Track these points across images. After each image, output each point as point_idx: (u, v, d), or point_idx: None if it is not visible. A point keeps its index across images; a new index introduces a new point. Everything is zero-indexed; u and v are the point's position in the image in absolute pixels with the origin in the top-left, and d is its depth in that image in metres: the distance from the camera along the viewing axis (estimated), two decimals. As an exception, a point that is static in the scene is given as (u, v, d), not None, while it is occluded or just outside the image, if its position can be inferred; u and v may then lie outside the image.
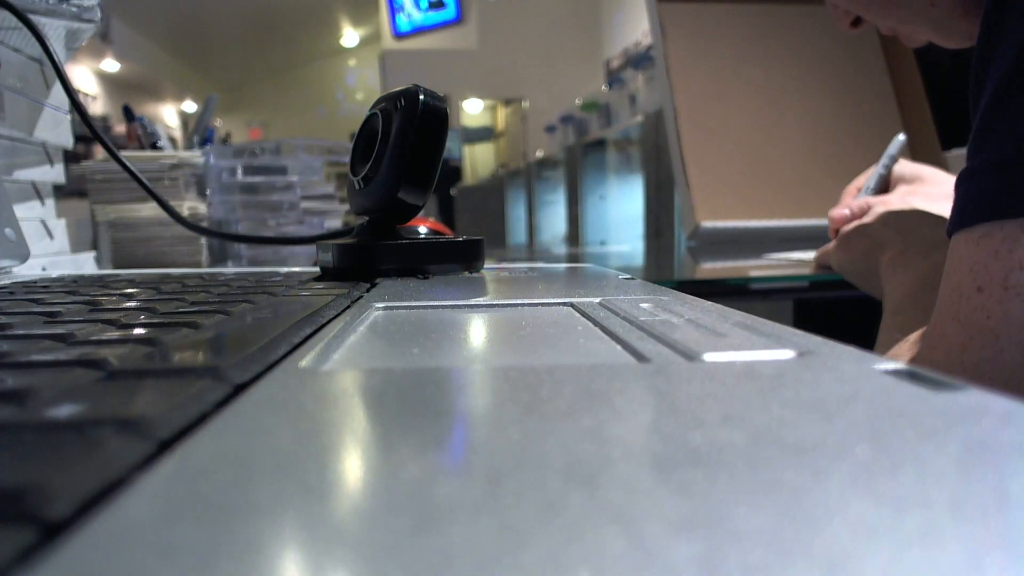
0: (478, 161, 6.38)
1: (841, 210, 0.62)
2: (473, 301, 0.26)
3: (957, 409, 0.11)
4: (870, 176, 0.62)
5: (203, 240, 0.76)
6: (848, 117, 1.04)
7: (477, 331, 0.20)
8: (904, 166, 0.61)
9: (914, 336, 0.39)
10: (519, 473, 0.09)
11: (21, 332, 0.18)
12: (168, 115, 7.43)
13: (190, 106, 7.59)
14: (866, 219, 0.56)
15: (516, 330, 0.20)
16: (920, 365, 0.36)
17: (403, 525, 0.07)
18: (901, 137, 0.62)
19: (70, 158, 0.67)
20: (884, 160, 0.61)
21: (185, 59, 7.41)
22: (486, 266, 0.41)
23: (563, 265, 0.44)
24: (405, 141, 0.36)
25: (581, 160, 3.26)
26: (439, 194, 4.23)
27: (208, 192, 0.82)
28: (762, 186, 0.99)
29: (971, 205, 0.32)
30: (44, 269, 0.57)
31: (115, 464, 0.09)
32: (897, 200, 0.57)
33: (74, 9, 0.55)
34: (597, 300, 0.25)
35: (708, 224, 0.94)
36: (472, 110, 6.34)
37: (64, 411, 0.10)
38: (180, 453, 0.09)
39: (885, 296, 0.48)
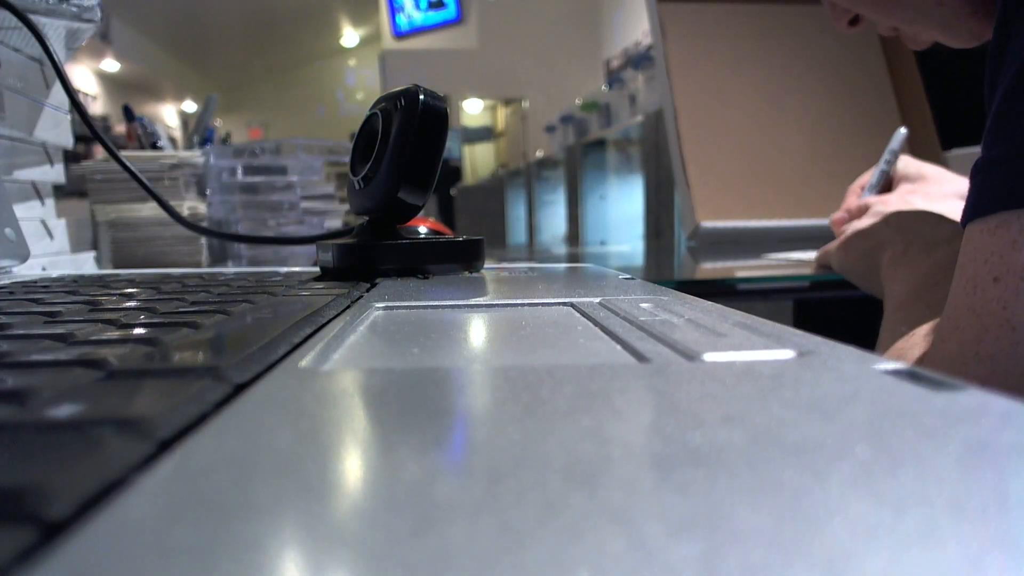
0: (478, 161, 6.38)
1: (840, 213, 0.62)
2: (473, 301, 0.26)
3: (957, 409, 0.11)
4: (873, 174, 0.62)
5: (203, 240, 0.76)
6: (848, 117, 1.04)
7: (477, 331, 0.20)
8: (908, 164, 0.61)
9: (923, 330, 0.39)
10: (519, 473, 0.09)
11: (21, 332, 0.18)
12: (168, 115, 7.44)
13: (190, 106, 7.59)
14: (866, 219, 0.56)
15: (516, 330, 0.20)
16: (932, 358, 0.35)
17: (403, 525, 0.07)
18: (902, 131, 0.62)
19: (70, 158, 0.67)
20: (886, 156, 0.61)
21: (185, 59, 7.41)
22: (486, 266, 0.41)
23: (563, 265, 0.44)
24: (405, 141, 0.36)
25: (581, 160, 3.26)
26: (439, 194, 4.23)
27: (208, 192, 0.82)
28: (762, 186, 0.99)
29: (987, 195, 0.32)
30: (44, 269, 0.57)
31: (115, 464, 0.09)
32: (897, 199, 0.57)
33: (74, 9, 0.55)
34: (597, 300, 0.25)
35: (708, 224, 0.94)
36: (472, 110, 6.34)
37: (64, 411, 0.10)
38: (180, 453, 0.09)
39: (886, 295, 0.48)
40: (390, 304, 0.25)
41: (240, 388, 0.13)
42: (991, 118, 0.32)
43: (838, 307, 0.92)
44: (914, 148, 1.01)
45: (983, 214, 0.32)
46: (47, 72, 0.59)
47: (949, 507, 0.08)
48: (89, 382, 0.13)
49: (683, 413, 0.11)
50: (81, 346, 0.16)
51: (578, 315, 0.22)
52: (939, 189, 0.57)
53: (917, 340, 0.38)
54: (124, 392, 0.12)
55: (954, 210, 0.52)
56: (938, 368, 0.34)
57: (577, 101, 3.75)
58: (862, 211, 0.59)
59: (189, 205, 0.76)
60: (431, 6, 5.99)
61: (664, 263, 0.94)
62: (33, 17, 0.50)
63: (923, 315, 0.41)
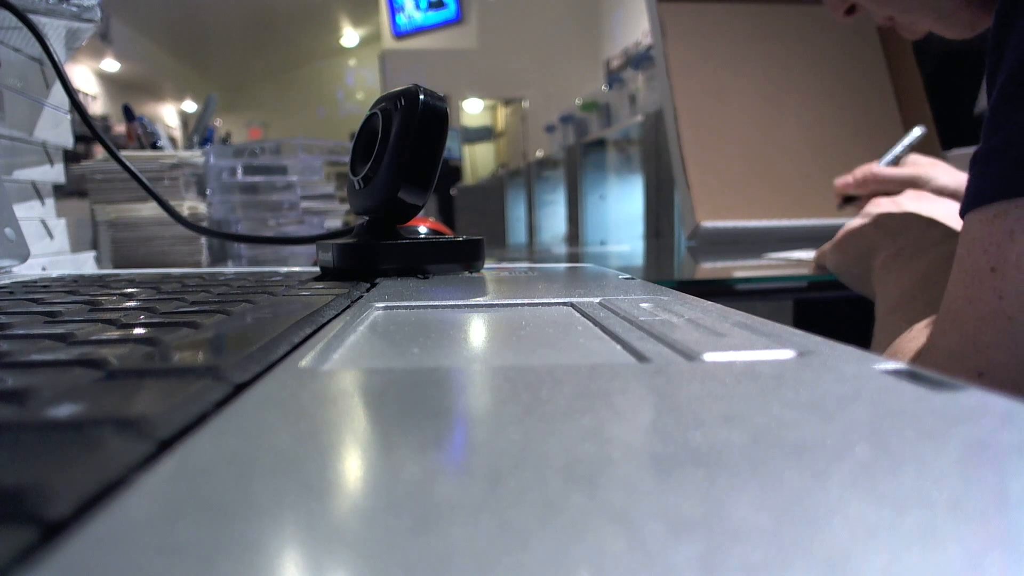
0: (478, 161, 6.38)
1: (846, 178, 0.62)
2: (473, 301, 0.26)
3: (957, 409, 0.11)
4: (885, 158, 0.62)
5: (203, 240, 0.76)
6: (848, 117, 1.04)
7: (477, 331, 0.20)
8: (918, 160, 0.61)
9: (922, 324, 0.38)
10: (519, 473, 0.09)
11: (21, 332, 0.18)
12: (168, 115, 7.43)
13: (190, 106, 7.59)
14: (858, 219, 0.56)
15: (516, 330, 0.20)
16: (932, 349, 0.35)
17: (403, 525, 0.07)
18: (920, 130, 0.62)
19: (70, 158, 0.67)
20: (899, 149, 0.61)
21: (185, 59, 7.41)
22: (486, 266, 0.41)
23: (563, 265, 0.44)
24: (405, 141, 0.36)
25: (581, 160, 3.26)
26: (439, 194, 4.23)
27: (208, 192, 0.82)
28: (762, 186, 0.99)
29: (985, 184, 0.32)
30: (44, 269, 0.57)
31: (115, 464, 0.09)
32: (888, 201, 0.57)
33: (74, 9, 0.55)
34: (597, 300, 0.25)
35: (708, 224, 0.94)
36: (472, 110, 6.34)
37: (64, 411, 0.10)
38: (180, 453, 0.09)
39: (878, 298, 0.48)
40: (390, 304, 0.25)
41: (240, 388, 0.13)
42: (990, 110, 0.32)
43: (838, 307, 0.92)
44: (914, 148, 1.01)
45: (981, 204, 0.32)
46: (47, 72, 0.59)
47: (949, 507, 0.08)
48: (89, 382, 0.13)
49: (683, 413, 0.11)
50: (81, 346, 0.16)
51: (578, 315, 0.22)
52: (935, 183, 0.57)
53: (916, 334, 0.38)
54: (124, 392, 0.12)
55: (946, 212, 0.52)
56: (938, 359, 0.34)
57: (577, 101, 3.75)
58: (867, 181, 0.59)
59: (189, 205, 0.76)
60: (431, 6, 5.99)
61: (664, 263, 0.94)
62: (33, 17, 0.50)
63: (922, 312, 0.41)
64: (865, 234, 0.53)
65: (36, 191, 0.60)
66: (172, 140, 0.99)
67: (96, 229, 0.76)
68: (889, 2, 0.45)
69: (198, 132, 0.91)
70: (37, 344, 0.16)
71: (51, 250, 0.61)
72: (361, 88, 7.87)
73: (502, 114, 6.35)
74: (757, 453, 0.09)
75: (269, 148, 0.89)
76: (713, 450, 0.09)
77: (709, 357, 0.15)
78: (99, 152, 0.97)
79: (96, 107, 5.89)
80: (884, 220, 0.53)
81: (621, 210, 2.86)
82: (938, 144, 1.00)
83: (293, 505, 0.08)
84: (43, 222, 0.60)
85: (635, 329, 0.18)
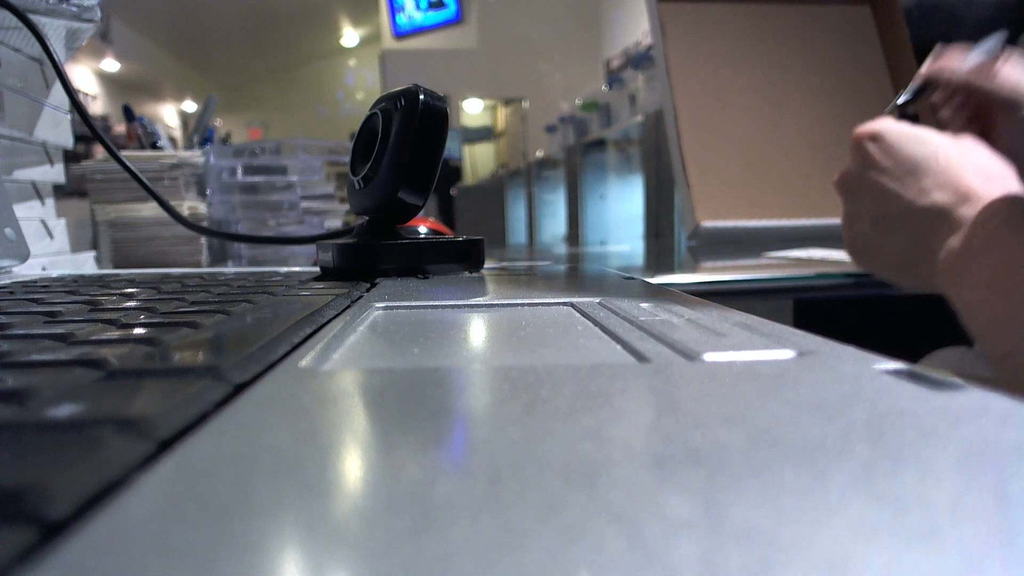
0: (478, 161, 6.38)
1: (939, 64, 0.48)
2: (473, 301, 0.26)
3: (957, 409, 0.11)
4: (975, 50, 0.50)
5: (203, 240, 0.76)
6: (848, 117, 1.04)
7: (477, 331, 0.20)
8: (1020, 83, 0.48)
9: None
10: (519, 473, 0.09)
11: (21, 332, 0.18)
12: (168, 115, 7.43)
13: (190, 106, 7.59)
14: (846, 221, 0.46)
15: (516, 330, 0.20)
16: None
17: (403, 525, 0.07)
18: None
19: (70, 158, 0.67)
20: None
21: (185, 59, 7.41)
22: (486, 266, 0.41)
23: (563, 265, 0.44)
24: (405, 141, 0.36)
25: (581, 160, 3.26)
26: (439, 194, 4.23)
27: (208, 192, 0.82)
28: (762, 186, 0.99)
29: None
30: (44, 269, 0.57)
31: (115, 464, 0.09)
32: (956, 150, 0.43)
33: (74, 9, 0.55)
34: (597, 300, 0.25)
35: (708, 224, 0.94)
36: (472, 110, 6.34)
37: (64, 411, 0.10)
38: (180, 453, 0.09)
39: (958, 307, 0.40)
40: (390, 304, 0.25)
41: (240, 388, 0.13)
42: None
43: (838, 307, 0.92)
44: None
45: None
46: (47, 72, 0.59)
47: (949, 507, 0.08)
48: (89, 382, 0.13)
49: (683, 413, 0.11)
50: (81, 346, 0.16)
51: (578, 315, 0.22)
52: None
53: None
54: (124, 392, 0.12)
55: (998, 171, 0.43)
56: None
57: (577, 101, 3.75)
58: (964, 87, 0.46)
59: (189, 205, 0.76)
60: (431, 6, 5.99)
61: (664, 263, 0.94)
62: (33, 17, 0.50)
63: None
64: (866, 237, 0.46)
65: (36, 191, 0.60)
66: (172, 140, 0.99)
67: (96, 229, 0.76)
68: None
69: (198, 132, 0.91)
70: (37, 344, 0.16)
71: (51, 250, 0.61)
72: (361, 88, 7.87)
73: (502, 114, 6.35)
74: (757, 453, 0.09)
75: (269, 148, 0.89)
76: (713, 450, 0.09)
77: (709, 357, 0.15)
78: (99, 152, 0.97)
79: (96, 107, 5.89)
80: (886, 221, 0.44)
81: (621, 210, 2.86)
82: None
83: (293, 505, 0.08)
84: (43, 222, 0.60)
85: (635, 329, 0.18)
